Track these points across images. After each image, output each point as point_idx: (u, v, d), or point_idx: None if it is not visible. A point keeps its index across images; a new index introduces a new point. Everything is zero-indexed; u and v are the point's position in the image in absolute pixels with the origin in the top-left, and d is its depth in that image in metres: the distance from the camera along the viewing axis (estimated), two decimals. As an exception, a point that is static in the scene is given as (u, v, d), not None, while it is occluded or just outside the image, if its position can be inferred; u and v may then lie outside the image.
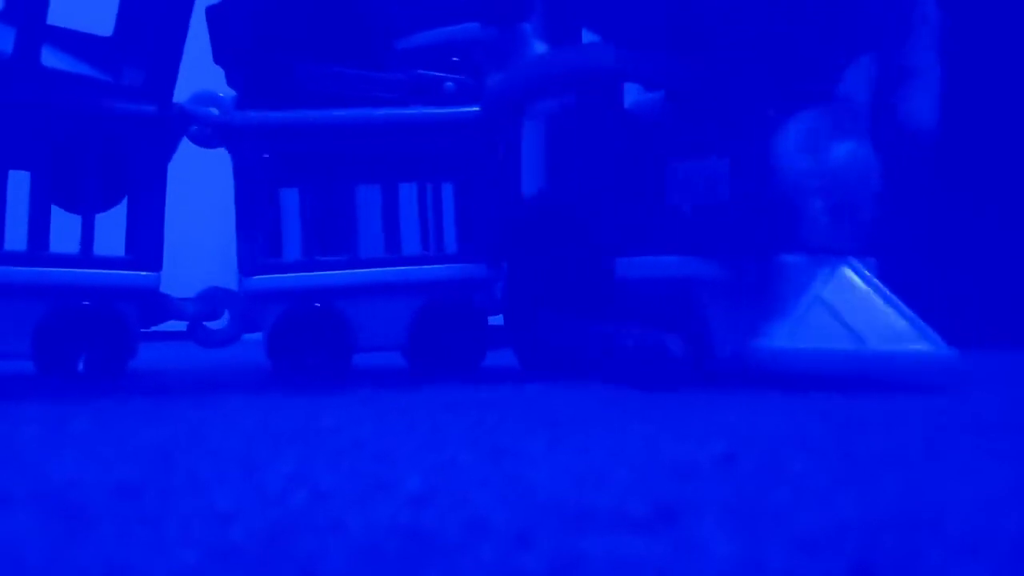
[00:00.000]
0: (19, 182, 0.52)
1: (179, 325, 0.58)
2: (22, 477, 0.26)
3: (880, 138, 0.52)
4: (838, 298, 0.48)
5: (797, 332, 0.48)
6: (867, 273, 0.50)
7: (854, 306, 0.48)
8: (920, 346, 0.48)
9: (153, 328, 0.56)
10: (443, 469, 0.26)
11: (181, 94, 0.56)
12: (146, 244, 0.54)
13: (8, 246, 0.51)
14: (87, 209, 0.53)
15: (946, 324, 0.49)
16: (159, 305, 0.55)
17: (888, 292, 0.49)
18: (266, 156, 0.62)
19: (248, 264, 0.57)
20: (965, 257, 0.94)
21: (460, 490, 0.24)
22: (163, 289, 0.55)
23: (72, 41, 0.55)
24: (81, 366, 0.52)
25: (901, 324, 0.48)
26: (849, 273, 0.49)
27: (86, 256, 0.52)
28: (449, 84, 0.59)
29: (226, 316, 0.58)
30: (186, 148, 0.58)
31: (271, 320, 0.57)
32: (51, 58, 0.51)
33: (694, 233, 0.52)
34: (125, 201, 0.55)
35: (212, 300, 0.58)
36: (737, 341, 0.49)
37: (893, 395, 0.45)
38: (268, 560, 0.18)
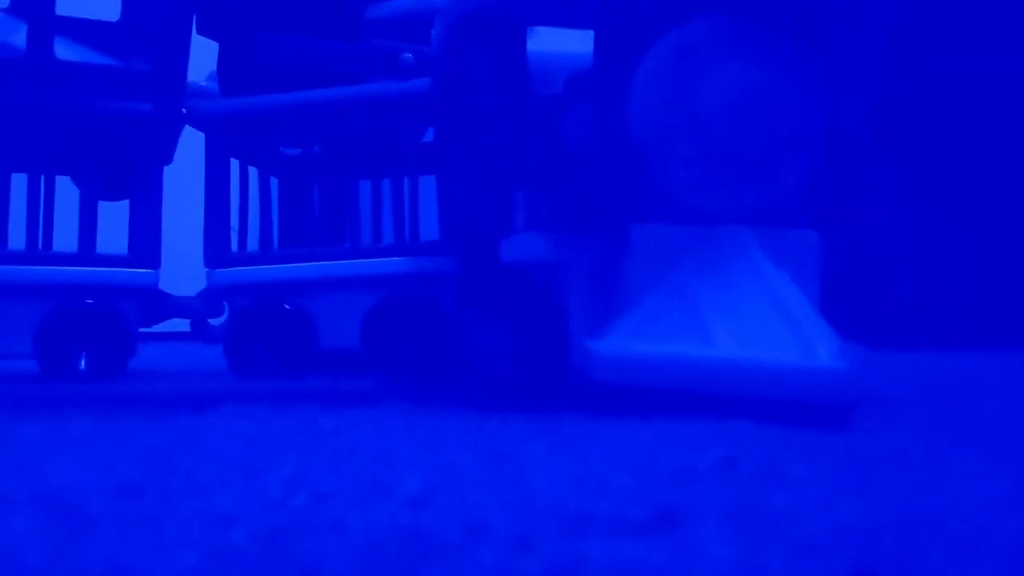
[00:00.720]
0: (20, 182, 0.52)
1: (181, 324, 0.58)
2: (22, 478, 0.26)
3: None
4: (705, 285, 0.36)
5: (640, 332, 0.36)
6: (759, 251, 0.38)
7: (723, 297, 0.36)
8: (788, 356, 0.34)
9: (155, 327, 0.57)
10: (443, 472, 0.26)
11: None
12: (144, 241, 0.54)
13: (9, 245, 0.52)
14: (92, 197, 0.53)
15: (926, 323, 0.42)
16: (160, 303, 0.55)
17: (786, 279, 0.37)
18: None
19: (211, 256, 0.55)
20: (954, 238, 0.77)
21: (460, 493, 0.24)
22: (167, 289, 0.55)
23: (79, 29, 0.54)
24: (82, 365, 0.53)
25: (776, 325, 0.35)
26: (735, 251, 0.37)
27: (85, 254, 0.52)
28: (407, 56, 0.51)
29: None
30: (189, 148, 0.58)
31: (228, 315, 0.55)
32: (61, 49, 0.51)
33: (563, 203, 0.41)
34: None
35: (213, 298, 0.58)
36: (583, 342, 0.38)
37: (893, 396, 0.45)
38: (269, 561, 0.18)
